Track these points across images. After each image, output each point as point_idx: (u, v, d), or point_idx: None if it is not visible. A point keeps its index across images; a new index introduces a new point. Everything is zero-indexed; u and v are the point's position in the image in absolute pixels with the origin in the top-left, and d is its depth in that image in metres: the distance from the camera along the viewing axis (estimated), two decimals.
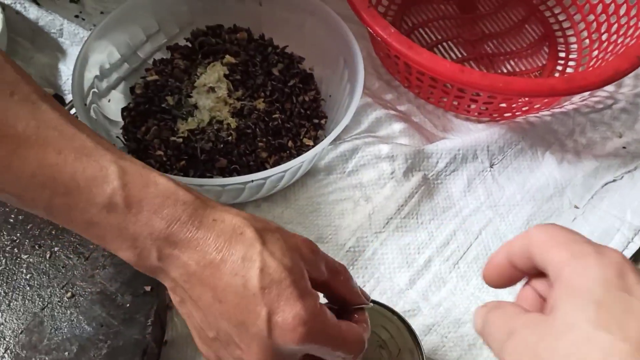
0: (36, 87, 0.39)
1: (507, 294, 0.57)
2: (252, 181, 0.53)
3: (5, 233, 0.53)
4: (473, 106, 0.65)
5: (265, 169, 0.61)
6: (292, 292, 0.35)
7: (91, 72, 0.61)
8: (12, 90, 0.37)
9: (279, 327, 0.34)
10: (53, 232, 0.54)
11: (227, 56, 0.65)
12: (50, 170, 0.36)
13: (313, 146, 0.64)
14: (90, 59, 0.60)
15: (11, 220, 0.54)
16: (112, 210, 0.36)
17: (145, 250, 0.36)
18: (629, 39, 0.65)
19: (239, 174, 0.60)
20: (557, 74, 0.72)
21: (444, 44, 0.75)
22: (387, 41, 0.59)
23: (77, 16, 0.75)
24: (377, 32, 0.59)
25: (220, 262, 0.35)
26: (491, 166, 0.64)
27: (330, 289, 0.40)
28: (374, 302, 0.45)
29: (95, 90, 0.61)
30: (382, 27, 0.59)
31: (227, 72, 0.64)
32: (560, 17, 0.77)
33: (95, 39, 0.61)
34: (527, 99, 0.62)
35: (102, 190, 0.36)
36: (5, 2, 0.71)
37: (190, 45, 0.68)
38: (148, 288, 0.51)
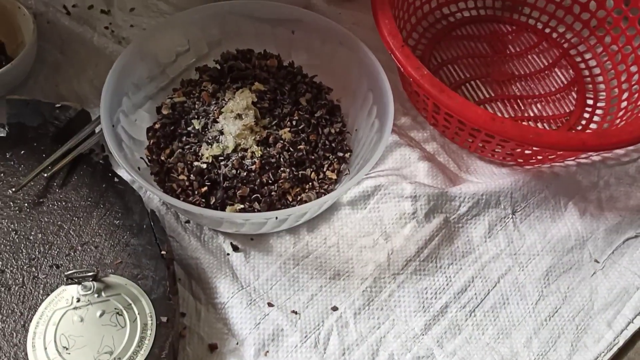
0: None
1: (523, 346, 0.57)
2: (277, 218, 0.53)
3: (24, 251, 0.53)
4: (499, 150, 0.64)
5: (287, 200, 0.61)
6: None
7: (121, 90, 0.60)
8: None
9: None
10: (71, 254, 0.53)
11: (257, 83, 0.65)
12: None
13: (336, 180, 0.63)
14: (121, 78, 0.60)
15: (31, 238, 0.54)
16: None
17: None
18: None
19: (259, 203, 0.59)
20: (584, 122, 0.72)
21: (473, 82, 0.74)
22: (419, 82, 0.58)
23: (106, 27, 0.75)
24: (410, 73, 0.59)
25: None
26: (513, 213, 0.64)
27: None
28: None
29: (122, 108, 0.61)
30: (415, 68, 0.59)
31: (255, 100, 0.63)
32: (591, 63, 0.77)
33: (128, 56, 0.61)
34: None
35: None
36: (38, 10, 0.71)
37: (219, 67, 0.68)
38: (164, 319, 0.50)
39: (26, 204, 0.56)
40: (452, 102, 0.57)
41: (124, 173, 0.60)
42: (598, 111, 0.73)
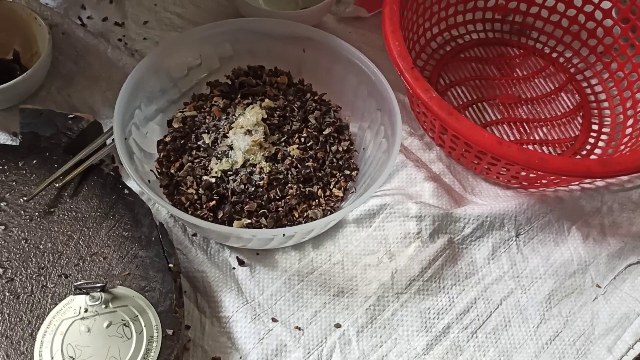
0: None
1: None
2: (284, 235, 0.53)
3: (34, 260, 0.54)
4: (504, 173, 0.65)
5: (294, 216, 0.61)
6: None
7: (133, 103, 0.61)
8: None
9: None
10: (80, 264, 0.54)
11: (267, 100, 0.66)
12: None
13: (342, 197, 0.64)
14: (134, 91, 0.61)
15: (41, 247, 0.55)
16: None
17: None
18: None
19: (266, 219, 0.60)
20: (588, 146, 0.73)
21: (480, 104, 0.75)
22: (427, 104, 0.59)
23: (120, 40, 0.76)
24: (419, 95, 0.60)
25: None
26: (517, 236, 0.64)
27: None
28: None
29: (135, 121, 0.62)
30: (424, 90, 0.60)
31: (265, 116, 0.64)
32: (597, 89, 0.77)
33: (142, 70, 0.62)
34: None
35: None
36: (53, 21, 0.72)
37: (230, 83, 0.69)
38: (170, 332, 0.51)
39: (37, 213, 0.57)
40: (460, 126, 0.58)
41: (133, 185, 0.61)
42: (603, 137, 0.73)
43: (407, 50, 0.62)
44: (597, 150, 0.72)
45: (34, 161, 0.60)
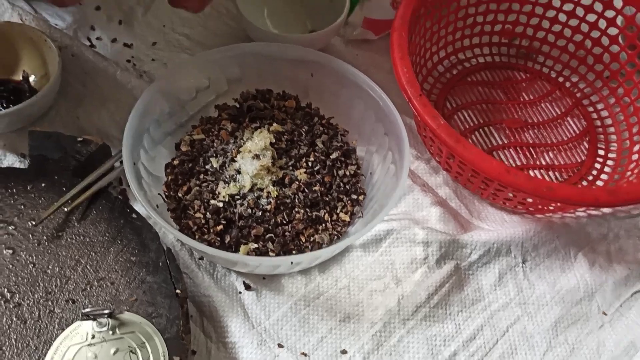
0: None
1: None
2: (292, 262, 0.54)
3: (41, 285, 0.54)
4: (511, 199, 0.65)
5: (300, 240, 0.62)
6: None
7: (142, 127, 0.62)
8: None
9: None
10: (87, 289, 0.54)
11: (275, 124, 0.66)
12: None
13: (349, 222, 0.64)
14: (143, 115, 0.61)
15: (48, 272, 0.55)
16: None
17: None
18: None
19: (273, 243, 0.60)
20: (595, 172, 0.73)
21: (486, 128, 0.76)
22: (435, 132, 0.60)
23: (128, 61, 0.76)
24: (427, 122, 0.60)
25: None
26: (523, 262, 0.64)
27: None
28: None
29: (143, 144, 0.62)
30: (432, 117, 0.60)
31: (272, 140, 0.64)
32: (603, 114, 0.78)
33: (151, 95, 0.62)
34: None
35: None
36: (63, 43, 0.72)
37: (238, 106, 0.69)
38: (177, 359, 0.51)
39: (45, 237, 0.57)
40: (467, 153, 0.58)
41: (141, 209, 0.61)
42: (609, 162, 0.74)
43: (415, 77, 0.62)
44: (603, 176, 0.72)
45: (43, 184, 0.60)
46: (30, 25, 0.71)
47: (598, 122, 0.77)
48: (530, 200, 0.64)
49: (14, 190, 0.59)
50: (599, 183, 0.72)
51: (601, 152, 0.75)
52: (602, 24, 0.76)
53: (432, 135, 0.62)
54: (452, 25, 0.78)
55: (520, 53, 0.83)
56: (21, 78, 0.70)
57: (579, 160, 0.74)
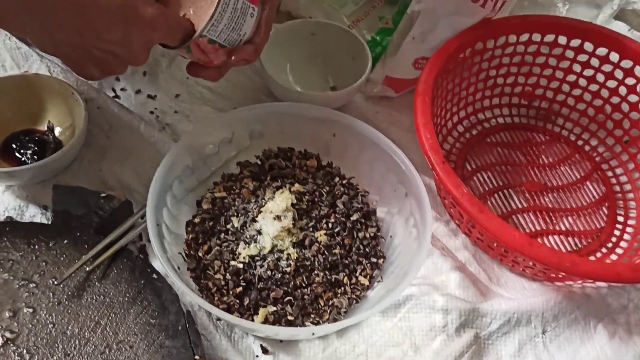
0: None
1: None
2: (313, 334, 0.53)
3: (60, 346, 0.54)
4: (532, 268, 0.65)
5: (319, 304, 0.61)
6: None
7: (166, 186, 0.62)
8: None
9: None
10: (106, 352, 0.54)
11: (297, 185, 0.66)
12: None
13: (368, 286, 0.64)
14: (167, 174, 0.62)
15: (67, 333, 0.55)
16: None
17: None
18: None
19: (292, 306, 0.60)
20: (614, 239, 0.73)
21: (505, 190, 0.76)
22: (458, 201, 0.60)
23: (152, 112, 0.77)
24: (449, 191, 0.60)
25: None
26: (543, 333, 0.64)
27: None
28: None
29: (166, 203, 0.62)
30: (455, 185, 0.60)
31: (294, 201, 0.64)
32: (622, 179, 0.78)
33: (175, 155, 0.63)
34: None
35: None
36: (89, 96, 0.73)
37: (260, 163, 0.70)
38: None
39: (65, 297, 0.57)
40: (490, 224, 0.58)
41: (161, 267, 0.61)
42: (628, 229, 0.73)
43: (438, 144, 0.63)
44: (623, 244, 0.72)
45: (65, 241, 0.60)
46: (57, 78, 0.72)
47: (617, 188, 0.77)
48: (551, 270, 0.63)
49: (37, 247, 0.59)
50: (619, 251, 0.71)
51: (620, 219, 0.75)
52: (623, 90, 0.76)
53: (455, 204, 0.62)
54: (472, 86, 0.79)
55: (540, 115, 0.83)
56: (46, 128, 0.71)
57: (599, 227, 0.74)
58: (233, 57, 0.58)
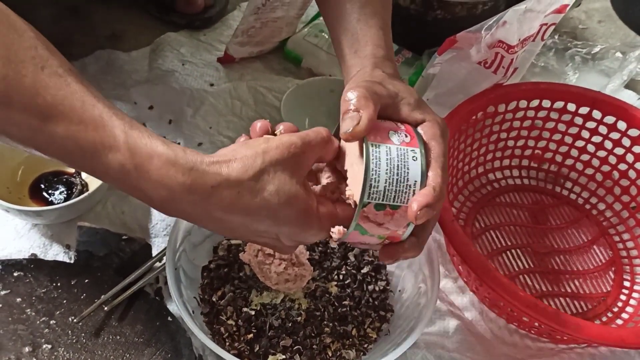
0: (63, 61, 0.43)
1: None
2: None
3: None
4: (537, 327, 0.66)
5: (327, 355, 0.63)
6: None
7: (185, 232, 0.64)
8: (42, 65, 0.41)
9: None
10: None
11: None
12: (75, 137, 0.41)
13: (375, 339, 0.65)
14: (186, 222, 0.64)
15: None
16: (127, 174, 0.42)
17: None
18: None
19: (300, 355, 0.61)
20: (620, 304, 0.74)
21: (513, 250, 0.77)
22: (466, 260, 0.61)
23: None
24: (458, 250, 0.62)
25: None
26: None
27: None
28: None
29: (185, 248, 0.65)
30: (463, 244, 0.62)
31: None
32: (629, 245, 0.79)
33: None
34: None
35: (114, 157, 0.42)
36: None
37: None
38: None
39: (83, 334, 0.59)
40: (498, 287, 0.60)
41: (176, 310, 0.63)
42: (634, 294, 0.74)
43: (448, 202, 0.65)
44: (629, 309, 0.73)
45: (86, 280, 0.63)
46: None
47: (624, 253, 0.79)
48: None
49: (58, 284, 0.62)
50: (624, 315, 0.72)
51: (627, 284, 0.76)
52: (630, 158, 0.79)
53: (463, 263, 0.63)
54: (484, 147, 0.82)
55: (549, 178, 0.85)
56: (74, 171, 0.74)
57: (605, 291, 0.75)
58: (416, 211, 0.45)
